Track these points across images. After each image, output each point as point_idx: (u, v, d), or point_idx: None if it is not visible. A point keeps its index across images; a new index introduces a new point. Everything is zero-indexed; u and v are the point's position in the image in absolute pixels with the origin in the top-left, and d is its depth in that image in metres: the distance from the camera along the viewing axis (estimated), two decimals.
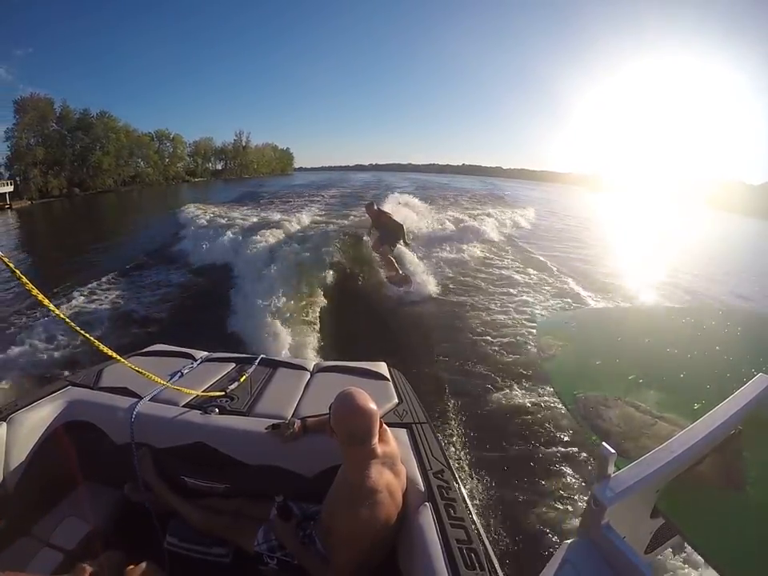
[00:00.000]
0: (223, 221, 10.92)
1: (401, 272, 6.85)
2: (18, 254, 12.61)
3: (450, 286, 7.08)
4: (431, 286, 6.72)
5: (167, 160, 54.94)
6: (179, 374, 1.99)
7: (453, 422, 3.48)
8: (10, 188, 33.59)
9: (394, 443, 1.40)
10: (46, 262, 11.45)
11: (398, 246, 7.21)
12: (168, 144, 55.71)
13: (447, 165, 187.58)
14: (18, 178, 37.55)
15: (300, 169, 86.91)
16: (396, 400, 1.88)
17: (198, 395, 1.80)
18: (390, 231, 7.16)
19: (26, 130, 41.37)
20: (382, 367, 2.14)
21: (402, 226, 7.28)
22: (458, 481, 1.49)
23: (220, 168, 63.60)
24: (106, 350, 1.30)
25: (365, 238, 7.88)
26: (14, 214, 27.95)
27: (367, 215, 7.85)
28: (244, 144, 66.63)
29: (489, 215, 13.28)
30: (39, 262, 11.59)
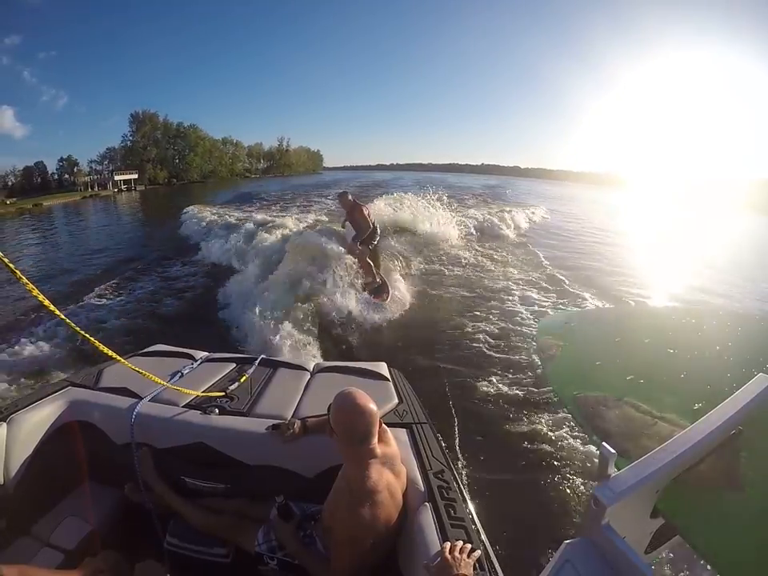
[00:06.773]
0: (229, 221, 10.87)
1: (378, 279, 5.96)
2: (139, 217, 23.06)
3: (449, 285, 7.06)
4: (427, 288, 6.62)
5: (230, 160, 71.38)
6: (179, 374, 1.99)
7: (453, 422, 3.47)
8: (135, 176, 52.06)
9: (394, 443, 1.40)
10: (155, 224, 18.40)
11: (374, 244, 6.28)
12: (230, 147, 72.51)
13: (467, 164, 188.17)
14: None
15: (325, 168, 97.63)
16: (396, 400, 1.87)
17: (198, 395, 1.80)
18: (362, 229, 6.22)
19: (142, 136, 58.99)
20: (382, 367, 2.14)
21: (375, 228, 6.32)
22: (458, 481, 1.48)
23: (266, 167, 79.76)
24: (106, 350, 1.30)
25: (338, 229, 6.93)
26: (137, 194, 45.65)
27: (341, 206, 6.82)
28: (286, 148, 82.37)
29: (491, 214, 13.07)
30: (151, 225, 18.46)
